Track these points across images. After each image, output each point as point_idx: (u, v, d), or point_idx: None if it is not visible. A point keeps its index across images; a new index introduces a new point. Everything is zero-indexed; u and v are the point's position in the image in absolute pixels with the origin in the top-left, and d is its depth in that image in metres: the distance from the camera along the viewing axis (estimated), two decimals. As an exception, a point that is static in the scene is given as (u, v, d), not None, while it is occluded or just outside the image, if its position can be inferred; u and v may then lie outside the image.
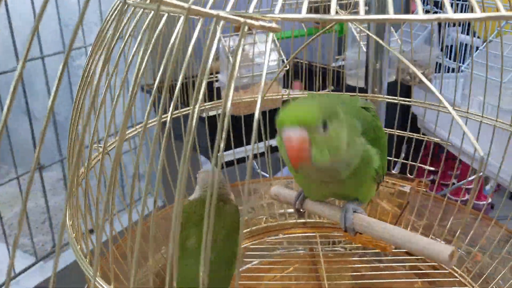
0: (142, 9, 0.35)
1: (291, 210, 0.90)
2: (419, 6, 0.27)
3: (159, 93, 1.32)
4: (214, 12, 0.29)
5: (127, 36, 0.43)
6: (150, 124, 0.75)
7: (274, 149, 1.00)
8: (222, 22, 0.29)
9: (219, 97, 0.89)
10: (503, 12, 0.24)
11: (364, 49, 0.97)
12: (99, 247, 0.35)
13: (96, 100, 0.44)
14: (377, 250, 0.77)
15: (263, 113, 0.84)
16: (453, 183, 1.84)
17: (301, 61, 1.45)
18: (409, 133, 0.81)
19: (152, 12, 0.32)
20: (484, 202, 1.74)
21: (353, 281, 0.76)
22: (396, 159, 0.84)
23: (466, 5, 1.30)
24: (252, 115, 0.88)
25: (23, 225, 1.71)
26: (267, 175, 0.92)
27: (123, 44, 0.43)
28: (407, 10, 1.41)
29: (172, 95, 1.20)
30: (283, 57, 0.96)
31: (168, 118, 0.35)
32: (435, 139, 0.81)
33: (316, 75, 0.94)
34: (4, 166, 2.24)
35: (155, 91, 0.34)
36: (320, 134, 0.44)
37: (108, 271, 0.43)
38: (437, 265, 0.76)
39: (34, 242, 1.52)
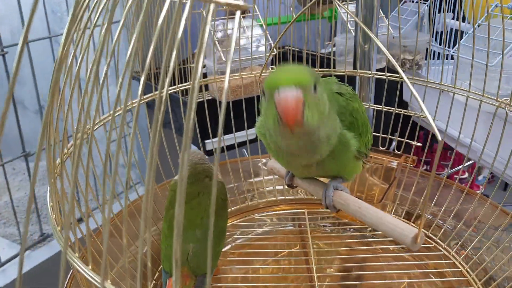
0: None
1: (280, 187, 0.89)
2: None
3: (148, 80, 1.30)
4: None
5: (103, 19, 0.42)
6: (135, 104, 0.73)
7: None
8: (212, 6, 0.28)
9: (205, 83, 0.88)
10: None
11: (353, 33, 0.95)
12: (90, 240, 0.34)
13: (74, 86, 0.43)
14: (363, 225, 0.78)
15: (251, 99, 0.83)
16: (448, 176, 1.85)
17: (291, 48, 1.44)
18: (397, 109, 0.80)
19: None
20: (477, 192, 1.74)
21: (340, 256, 0.76)
22: (391, 137, 0.84)
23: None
24: (240, 100, 0.87)
25: (9, 215, 1.70)
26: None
27: (96, 27, 0.41)
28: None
29: (159, 80, 1.17)
30: (271, 41, 0.94)
31: (164, 94, 0.34)
32: (423, 115, 0.80)
33: (304, 62, 0.92)
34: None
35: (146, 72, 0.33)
36: (312, 95, 0.43)
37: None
38: (425, 241, 0.77)
39: (23, 232, 1.51)
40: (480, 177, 2.07)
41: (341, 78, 0.88)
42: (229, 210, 0.83)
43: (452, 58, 1.25)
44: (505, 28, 0.65)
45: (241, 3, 0.29)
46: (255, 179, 0.90)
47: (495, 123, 0.67)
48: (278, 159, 0.55)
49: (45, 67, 1.71)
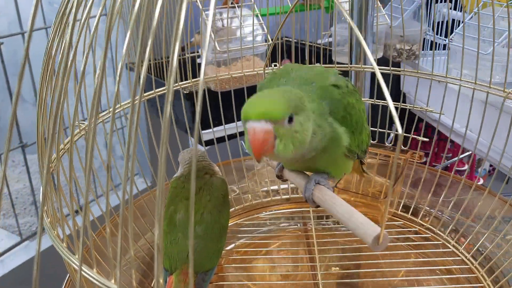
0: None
1: (285, 186, 0.89)
2: None
3: (147, 72, 1.30)
4: None
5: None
6: (136, 101, 0.73)
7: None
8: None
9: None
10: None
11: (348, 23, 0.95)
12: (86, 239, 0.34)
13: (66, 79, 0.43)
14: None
15: (243, 90, 0.82)
16: (446, 167, 1.84)
17: (290, 39, 1.43)
18: (402, 104, 0.80)
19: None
20: (478, 183, 1.73)
21: (345, 254, 0.75)
22: (389, 131, 0.83)
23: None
24: (236, 90, 0.87)
25: (8, 206, 1.71)
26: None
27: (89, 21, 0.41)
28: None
29: (158, 75, 1.18)
30: (265, 31, 0.94)
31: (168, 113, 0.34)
32: (422, 108, 0.80)
33: (300, 53, 0.92)
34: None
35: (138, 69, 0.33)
36: (285, 127, 0.44)
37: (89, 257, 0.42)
38: (430, 237, 0.76)
39: (21, 223, 1.52)
40: (480, 169, 2.07)
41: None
42: (233, 209, 0.84)
43: (448, 48, 1.24)
44: (499, 17, 0.64)
45: None
46: (259, 178, 0.89)
47: (493, 113, 0.67)
48: None
49: (38, 56, 1.71)
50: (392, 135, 0.84)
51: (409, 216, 0.81)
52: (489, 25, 0.83)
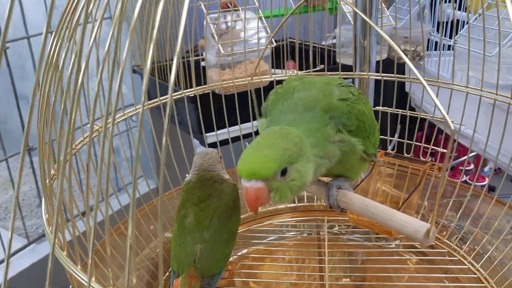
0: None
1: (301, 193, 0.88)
2: None
3: (151, 75, 1.30)
4: None
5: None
6: (140, 109, 0.73)
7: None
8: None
9: (205, 76, 0.88)
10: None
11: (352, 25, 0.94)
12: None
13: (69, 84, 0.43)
14: (383, 236, 0.75)
15: (247, 93, 0.82)
16: (452, 167, 1.83)
17: (294, 40, 1.44)
18: (398, 110, 0.79)
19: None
20: (483, 183, 1.73)
21: (356, 266, 0.74)
22: (391, 138, 0.82)
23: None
24: (238, 93, 0.87)
25: (16, 209, 1.72)
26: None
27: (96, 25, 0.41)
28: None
29: (161, 77, 1.19)
30: (270, 34, 0.94)
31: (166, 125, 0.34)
32: (427, 115, 0.79)
33: (303, 54, 0.92)
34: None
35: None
36: (278, 181, 0.45)
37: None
38: (446, 252, 0.74)
39: (28, 226, 1.53)
40: (486, 169, 2.06)
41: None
42: (246, 215, 0.83)
43: (453, 48, 1.24)
44: (504, 18, 0.64)
45: None
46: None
47: (500, 116, 0.67)
48: None
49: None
50: (394, 142, 0.83)
51: (445, 239, 0.77)
52: (494, 26, 0.83)
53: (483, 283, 0.67)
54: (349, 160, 0.52)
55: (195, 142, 1.46)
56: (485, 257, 0.70)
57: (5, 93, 1.81)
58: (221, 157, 0.69)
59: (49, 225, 0.49)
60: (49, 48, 0.47)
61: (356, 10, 0.54)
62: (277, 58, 1.24)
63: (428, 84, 0.76)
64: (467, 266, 0.70)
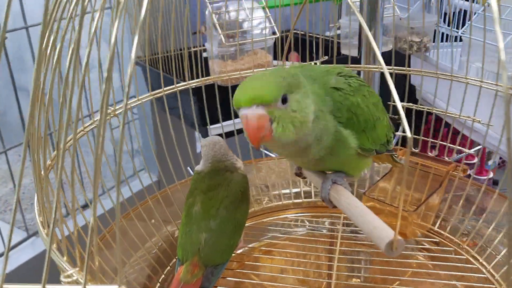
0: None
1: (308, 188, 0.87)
2: None
3: (151, 66, 1.28)
4: None
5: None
6: (145, 100, 0.72)
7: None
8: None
9: (206, 67, 0.86)
10: None
11: (358, 15, 0.92)
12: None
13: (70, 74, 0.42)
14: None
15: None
16: (458, 160, 1.82)
17: (297, 31, 1.41)
18: (408, 104, 0.77)
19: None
20: (486, 177, 1.71)
21: (365, 266, 0.72)
22: (397, 133, 0.80)
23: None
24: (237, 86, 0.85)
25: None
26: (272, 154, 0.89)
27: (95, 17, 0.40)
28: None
29: (164, 68, 1.17)
30: (274, 24, 0.92)
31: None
32: (435, 109, 0.77)
33: (307, 46, 0.90)
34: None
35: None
36: (280, 109, 0.42)
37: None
38: (466, 260, 0.70)
39: (28, 219, 1.52)
40: (490, 162, 2.04)
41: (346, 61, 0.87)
42: (261, 207, 0.83)
43: (460, 40, 1.22)
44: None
45: None
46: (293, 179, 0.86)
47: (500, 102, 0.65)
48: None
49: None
50: (396, 137, 0.81)
51: (446, 233, 0.75)
52: (504, 16, 0.81)
53: (494, 284, 0.65)
54: (343, 153, 0.50)
55: (198, 134, 1.44)
56: (495, 257, 0.68)
57: (4, 85, 1.79)
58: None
59: (40, 216, 0.48)
60: (46, 40, 0.46)
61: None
62: (280, 50, 1.22)
63: (442, 78, 0.74)
64: (476, 266, 0.69)
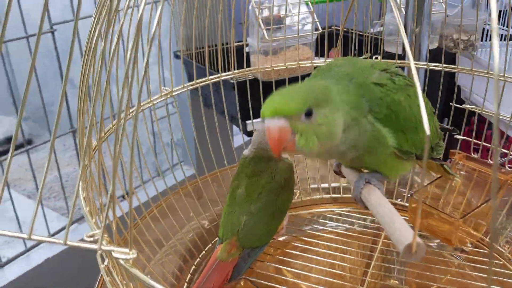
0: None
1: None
2: None
3: (190, 59, 1.30)
4: None
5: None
6: (181, 91, 0.74)
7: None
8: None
9: (248, 63, 0.86)
10: None
11: (404, 11, 0.90)
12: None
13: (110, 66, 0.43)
14: (444, 244, 0.71)
15: (293, 79, 0.80)
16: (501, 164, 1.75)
17: (337, 28, 1.40)
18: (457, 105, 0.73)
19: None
20: None
21: (404, 268, 0.70)
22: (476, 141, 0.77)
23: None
24: (283, 80, 0.85)
25: (59, 189, 1.77)
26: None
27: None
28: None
29: (200, 61, 1.18)
30: (317, 20, 0.91)
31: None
32: (484, 110, 0.74)
33: (352, 42, 0.88)
34: (46, 133, 2.32)
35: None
36: (303, 122, 0.43)
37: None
38: (480, 246, 0.69)
39: (71, 206, 1.57)
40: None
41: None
42: (308, 198, 0.84)
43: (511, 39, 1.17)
44: None
45: None
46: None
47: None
48: None
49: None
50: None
51: (497, 246, 0.71)
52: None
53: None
54: (380, 152, 0.49)
55: (235, 129, 1.45)
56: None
57: (53, 76, 1.86)
58: None
59: (87, 205, 0.49)
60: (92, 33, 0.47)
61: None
62: (321, 46, 1.21)
63: (480, 75, 0.72)
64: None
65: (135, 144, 0.70)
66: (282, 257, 0.70)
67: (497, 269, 0.66)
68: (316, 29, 0.92)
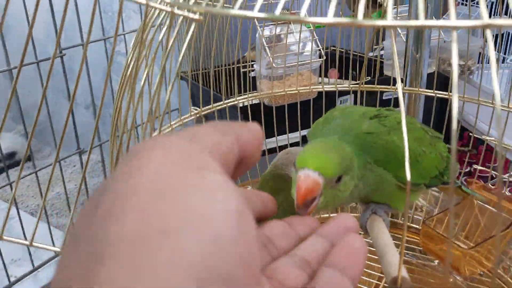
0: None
1: None
2: (452, 9, 0.26)
3: (195, 81, 1.33)
4: (143, 1, 0.34)
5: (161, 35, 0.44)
6: (187, 119, 0.76)
7: (306, 139, 1.00)
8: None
9: (254, 87, 0.90)
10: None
11: (403, 39, 0.94)
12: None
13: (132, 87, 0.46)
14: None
15: (296, 104, 0.83)
16: (492, 176, 1.78)
17: (337, 49, 1.43)
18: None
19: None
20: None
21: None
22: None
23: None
24: (288, 105, 0.88)
25: (64, 206, 1.78)
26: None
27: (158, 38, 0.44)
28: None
29: (205, 84, 1.21)
30: (320, 47, 0.95)
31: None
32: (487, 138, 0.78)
33: (351, 64, 0.91)
34: (47, 148, 2.33)
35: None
36: (332, 186, 0.45)
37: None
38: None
39: (74, 223, 1.58)
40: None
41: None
42: (317, 216, 0.85)
43: (503, 61, 1.21)
44: None
45: (196, 16, 0.32)
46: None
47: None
48: None
49: (97, 64, 1.77)
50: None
51: (507, 278, 0.72)
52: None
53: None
54: (385, 189, 0.52)
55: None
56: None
57: (51, 91, 1.88)
58: None
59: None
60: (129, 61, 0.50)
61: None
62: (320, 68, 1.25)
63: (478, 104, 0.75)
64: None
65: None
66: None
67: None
68: (320, 56, 0.95)
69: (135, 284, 0.17)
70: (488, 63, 1.26)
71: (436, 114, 0.85)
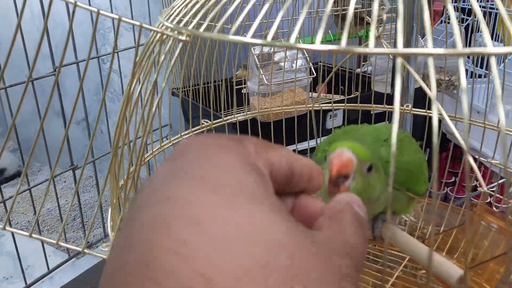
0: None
1: None
2: (429, 36, 0.29)
3: (186, 96, 1.35)
4: (137, 23, 0.37)
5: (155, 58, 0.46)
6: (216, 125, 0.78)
7: (300, 152, 1.02)
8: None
9: (248, 103, 0.92)
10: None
11: (391, 56, 0.98)
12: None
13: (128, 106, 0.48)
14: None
15: (290, 119, 0.86)
16: (475, 186, 1.82)
17: (326, 64, 1.47)
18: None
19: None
20: (507, 206, 1.69)
21: None
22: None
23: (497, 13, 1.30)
24: (281, 121, 0.91)
25: (55, 222, 1.77)
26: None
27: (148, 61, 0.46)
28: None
29: (196, 100, 1.22)
30: (310, 64, 0.98)
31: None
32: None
33: (340, 79, 0.94)
34: (36, 164, 2.32)
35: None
36: (363, 174, 0.45)
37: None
38: None
39: (68, 237, 1.58)
40: (511, 189, 2.02)
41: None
42: None
43: (484, 76, 1.26)
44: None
45: (183, 37, 0.35)
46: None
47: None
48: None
49: (89, 80, 1.78)
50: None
51: None
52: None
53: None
54: (398, 200, 0.55)
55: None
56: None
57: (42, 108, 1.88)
58: None
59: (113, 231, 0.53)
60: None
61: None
62: (314, 82, 1.28)
63: (455, 120, 0.78)
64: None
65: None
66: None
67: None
68: (311, 74, 0.98)
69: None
70: (471, 77, 1.31)
71: (419, 126, 0.88)
